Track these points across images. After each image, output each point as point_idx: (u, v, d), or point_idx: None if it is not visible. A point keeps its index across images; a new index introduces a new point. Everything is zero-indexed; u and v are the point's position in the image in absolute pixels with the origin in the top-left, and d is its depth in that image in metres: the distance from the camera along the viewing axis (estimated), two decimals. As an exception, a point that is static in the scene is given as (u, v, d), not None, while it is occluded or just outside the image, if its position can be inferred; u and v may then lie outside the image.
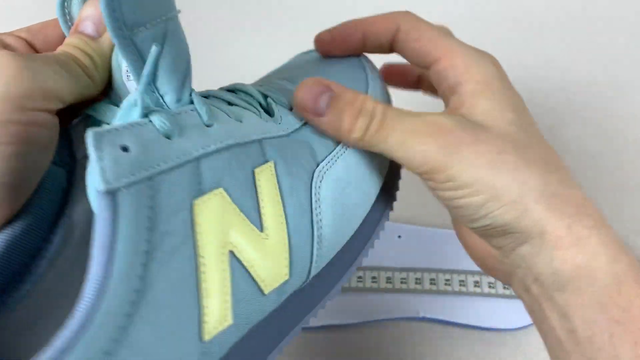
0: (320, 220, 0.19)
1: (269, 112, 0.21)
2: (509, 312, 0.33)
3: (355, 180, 0.21)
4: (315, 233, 0.19)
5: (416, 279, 0.34)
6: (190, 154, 0.16)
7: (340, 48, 0.25)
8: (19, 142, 0.15)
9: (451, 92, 0.22)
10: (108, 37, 0.18)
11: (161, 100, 0.17)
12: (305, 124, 0.21)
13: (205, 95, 0.19)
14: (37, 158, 0.16)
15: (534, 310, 0.21)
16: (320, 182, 0.20)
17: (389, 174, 0.24)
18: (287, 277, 0.18)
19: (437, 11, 0.49)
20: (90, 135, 0.13)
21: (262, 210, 0.18)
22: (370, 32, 0.24)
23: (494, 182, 0.19)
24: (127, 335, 0.13)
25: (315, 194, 0.20)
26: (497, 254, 0.21)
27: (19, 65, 0.16)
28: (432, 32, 0.23)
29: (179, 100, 0.17)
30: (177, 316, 0.14)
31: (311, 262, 0.19)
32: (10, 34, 0.19)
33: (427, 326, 0.34)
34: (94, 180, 0.13)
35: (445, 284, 0.34)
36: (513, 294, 0.34)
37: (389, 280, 0.34)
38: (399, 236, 0.36)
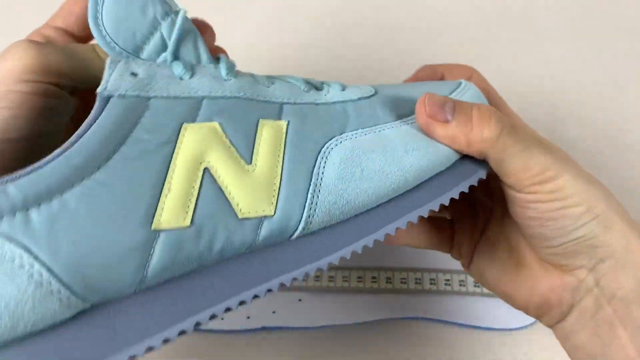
0: (322, 172, 0.21)
1: (318, 88, 0.23)
2: (509, 312, 0.33)
3: (384, 150, 0.22)
4: (313, 182, 0.21)
5: (416, 279, 0.34)
6: (195, 93, 0.20)
7: (422, 78, 0.29)
8: (21, 107, 0.19)
9: None
10: None
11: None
12: (351, 101, 0.23)
13: (267, 76, 0.23)
14: (50, 120, 0.20)
15: (599, 334, 0.22)
16: (336, 145, 0.21)
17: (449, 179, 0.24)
18: (271, 213, 0.20)
19: (437, 11, 0.49)
20: (108, 60, 0.19)
21: (256, 150, 0.20)
22: (449, 74, 0.28)
23: (590, 194, 0.21)
24: (80, 191, 0.17)
25: (324, 151, 0.21)
26: (571, 282, 0.23)
27: (28, 46, 0.19)
28: (488, 85, 0.28)
29: (198, 62, 0.21)
30: (134, 196, 0.18)
31: (303, 210, 0.20)
32: (47, 25, 0.22)
33: (427, 326, 0.34)
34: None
35: (445, 284, 0.34)
36: (513, 294, 0.34)
37: (388, 280, 0.34)
38: (399, 236, 0.36)
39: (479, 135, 0.21)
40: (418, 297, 0.34)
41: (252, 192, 0.20)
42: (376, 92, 0.24)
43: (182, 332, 0.19)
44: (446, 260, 0.35)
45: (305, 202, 0.20)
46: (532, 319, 0.33)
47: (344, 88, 0.24)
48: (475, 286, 0.34)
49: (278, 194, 0.20)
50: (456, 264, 0.35)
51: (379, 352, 0.33)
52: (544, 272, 0.24)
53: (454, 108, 0.22)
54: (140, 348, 0.17)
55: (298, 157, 0.21)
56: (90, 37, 0.23)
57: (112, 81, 0.19)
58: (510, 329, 0.33)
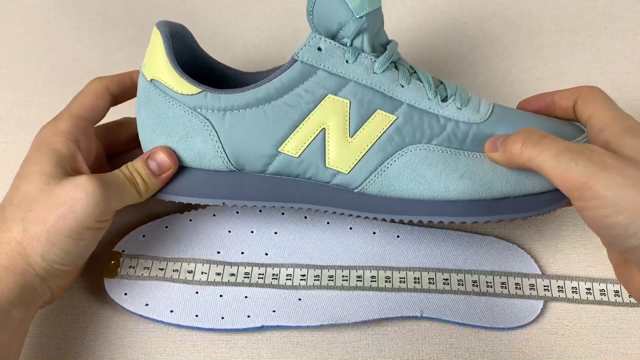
0: (391, 164, 0.29)
1: (442, 99, 0.30)
2: (507, 312, 0.34)
3: (445, 167, 0.29)
4: (381, 167, 0.29)
5: (414, 278, 0.34)
6: (348, 76, 0.29)
7: (535, 106, 0.32)
8: (89, 236, 0.29)
9: (598, 134, 0.26)
10: (162, 179, 0.31)
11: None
12: (455, 120, 0.30)
13: (413, 70, 0.31)
14: (97, 236, 0.31)
15: None
16: (414, 150, 0.29)
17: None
18: (345, 172, 0.30)
19: (436, 12, 0.49)
20: (310, 33, 0.28)
21: (361, 130, 0.29)
22: (559, 96, 0.31)
23: (633, 201, 0.20)
24: (253, 111, 0.30)
25: (403, 150, 0.29)
26: None
27: (99, 194, 0.28)
28: (599, 94, 0.28)
29: (362, 50, 0.29)
30: (277, 127, 0.29)
31: (365, 180, 0.30)
32: (71, 115, 0.32)
33: (426, 325, 0.34)
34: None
35: (444, 283, 0.34)
36: (510, 293, 0.34)
37: (387, 279, 0.34)
38: (398, 236, 0.36)
39: (510, 151, 0.26)
40: (416, 297, 0.34)
41: (340, 155, 0.29)
42: (485, 120, 0.30)
43: (272, 206, 0.32)
44: (444, 260, 0.35)
45: (369, 176, 0.30)
46: (530, 318, 0.33)
47: (464, 105, 0.30)
48: (473, 285, 0.34)
49: (356, 163, 0.29)
50: (454, 264, 0.35)
51: (378, 351, 0.33)
52: (637, 272, 0.25)
53: (502, 143, 0.27)
54: (248, 203, 0.32)
55: (383, 145, 0.29)
56: (102, 117, 0.34)
57: (303, 50, 0.28)
58: (509, 328, 0.33)
